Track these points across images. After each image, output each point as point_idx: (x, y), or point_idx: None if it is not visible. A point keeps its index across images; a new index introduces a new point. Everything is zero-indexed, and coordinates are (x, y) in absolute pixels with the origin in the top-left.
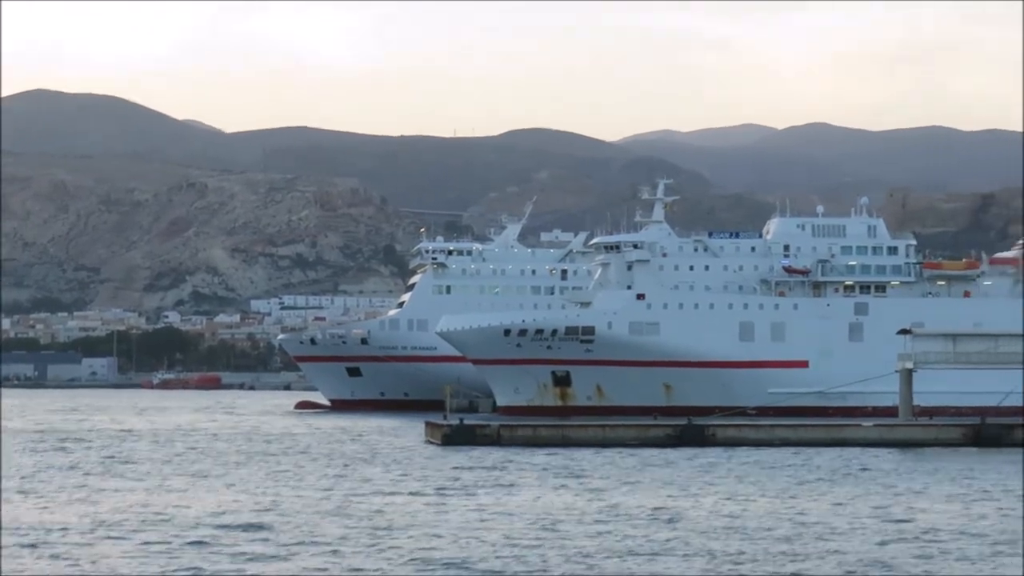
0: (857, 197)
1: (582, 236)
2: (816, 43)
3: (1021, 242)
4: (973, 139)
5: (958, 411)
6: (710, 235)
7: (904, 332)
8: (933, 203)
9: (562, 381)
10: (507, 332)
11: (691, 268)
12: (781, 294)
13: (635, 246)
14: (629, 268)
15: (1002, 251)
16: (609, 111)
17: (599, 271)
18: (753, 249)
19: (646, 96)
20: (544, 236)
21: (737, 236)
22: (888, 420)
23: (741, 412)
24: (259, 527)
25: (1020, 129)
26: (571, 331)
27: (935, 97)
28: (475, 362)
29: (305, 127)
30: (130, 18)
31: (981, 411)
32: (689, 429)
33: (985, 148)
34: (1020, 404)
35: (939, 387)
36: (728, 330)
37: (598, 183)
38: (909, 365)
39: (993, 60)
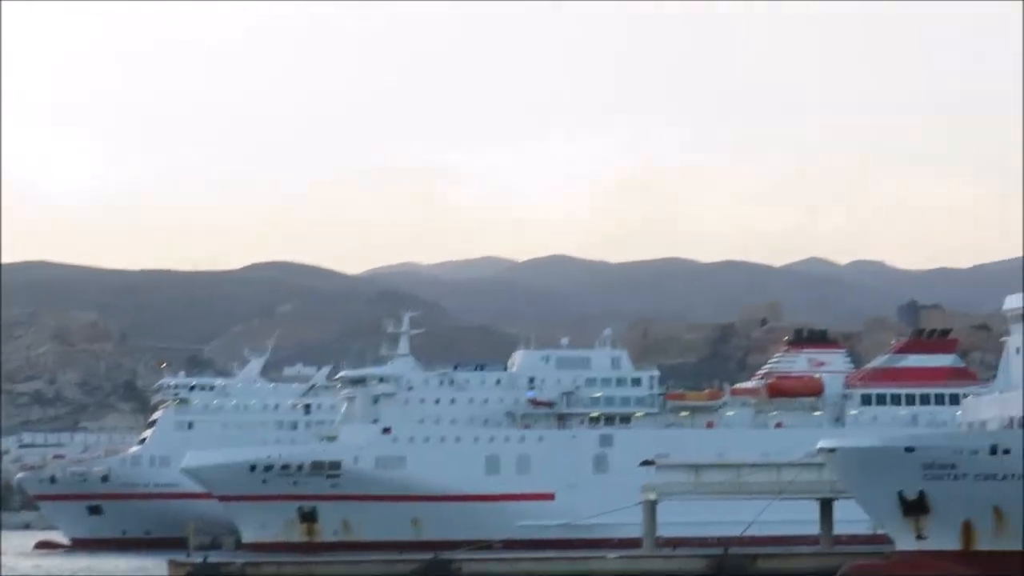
0: (600, 328)
1: (325, 370)
2: (553, 176)
3: (760, 372)
4: (710, 269)
5: (702, 542)
6: (456, 368)
7: (647, 463)
8: (674, 333)
9: (308, 517)
10: (253, 468)
11: (437, 401)
12: (527, 426)
13: (381, 379)
14: (375, 402)
15: (743, 381)
16: (351, 243)
17: (345, 405)
18: (498, 382)
19: (387, 228)
20: (287, 370)
21: (483, 369)
22: (632, 551)
23: (488, 546)
24: None
25: (755, 260)
26: (317, 466)
27: (670, 228)
28: (221, 498)
29: (42, 261)
30: None
31: (725, 541)
32: (435, 564)
33: (722, 278)
34: (763, 534)
35: (683, 518)
36: (474, 463)
37: (341, 316)
38: (652, 496)
39: (720, 190)
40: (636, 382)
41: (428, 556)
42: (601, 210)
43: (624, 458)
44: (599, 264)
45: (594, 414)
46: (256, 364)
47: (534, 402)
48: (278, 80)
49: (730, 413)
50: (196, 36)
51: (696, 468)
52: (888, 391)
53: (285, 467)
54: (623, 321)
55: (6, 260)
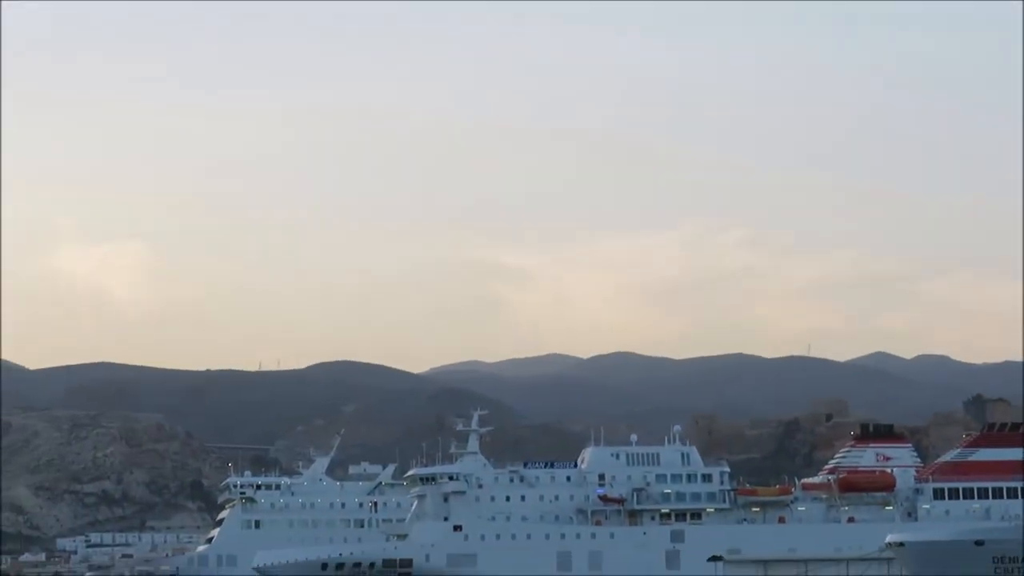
0: (664, 425)
1: (390, 468)
2: (616, 274)
3: (827, 467)
4: (774, 365)
5: None
6: (525, 465)
7: (715, 559)
8: (738, 430)
9: None
10: (324, 566)
11: (507, 499)
12: (598, 523)
13: (451, 477)
14: (445, 500)
15: (809, 476)
16: (414, 343)
17: (415, 503)
18: (568, 479)
19: (450, 327)
20: (352, 469)
21: (552, 466)
22: None
23: None
24: None
25: (819, 355)
26: (389, 564)
27: (733, 325)
28: None
29: (107, 362)
30: None
31: None
32: None
33: (786, 374)
34: None
35: None
36: (546, 560)
37: (404, 415)
38: None
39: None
40: (707, 478)
41: None
42: (664, 307)
43: (696, 554)
44: (663, 361)
45: (665, 510)
46: (321, 463)
47: (605, 498)
48: (342, 181)
49: (801, 508)
50: (259, 141)
51: (764, 563)
52: (960, 485)
53: (357, 565)
54: (687, 417)
55: (73, 362)
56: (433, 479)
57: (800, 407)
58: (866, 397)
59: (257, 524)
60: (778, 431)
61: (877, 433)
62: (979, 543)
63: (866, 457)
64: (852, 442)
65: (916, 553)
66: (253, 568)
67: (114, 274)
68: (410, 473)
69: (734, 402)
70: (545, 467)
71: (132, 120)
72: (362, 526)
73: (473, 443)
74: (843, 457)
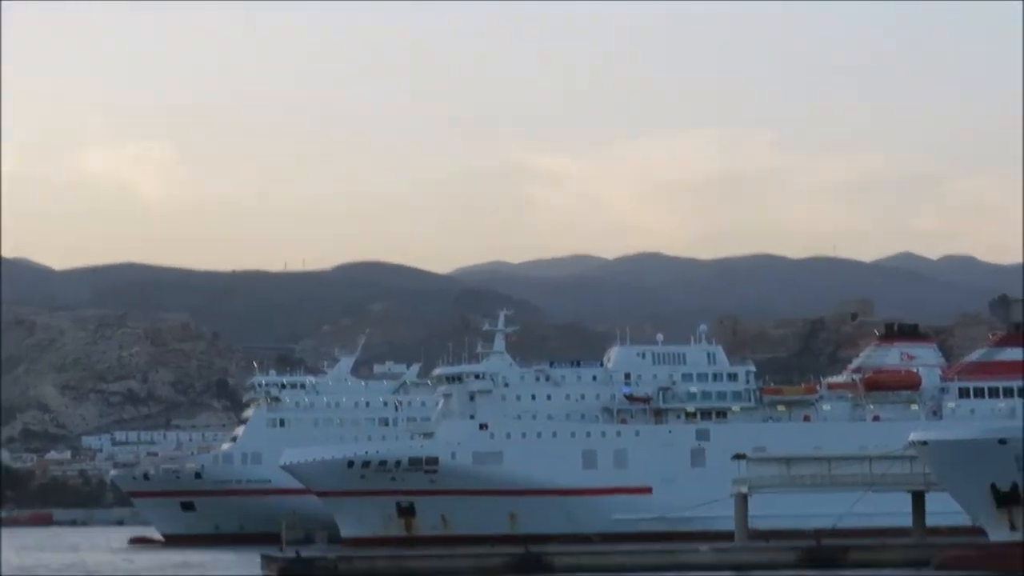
0: (690, 325)
1: (415, 367)
2: (642, 175)
3: (852, 366)
4: (800, 265)
5: (795, 534)
6: (551, 364)
7: (739, 457)
8: (763, 329)
9: (407, 512)
10: (351, 464)
11: (533, 397)
12: (623, 421)
13: (477, 376)
14: (472, 398)
15: (833, 375)
16: (439, 243)
17: (441, 402)
18: (594, 378)
19: (476, 228)
20: (377, 368)
21: (578, 365)
22: (724, 544)
23: (585, 539)
24: None
25: (845, 255)
26: (415, 462)
27: (760, 225)
28: (319, 494)
29: (133, 263)
30: None
31: (817, 533)
32: (527, 558)
33: (811, 274)
34: (855, 526)
35: (775, 510)
36: (571, 458)
37: (430, 314)
38: (744, 489)
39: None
40: (732, 377)
41: (521, 550)
42: (691, 208)
43: (721, 452)
44: (688, 261)
45: (690, 409)
46: (346, 362)
47: (630, 398)
48: (371, 81)
49: (827, 407)
50: (287, 38)
51: (787, 461)
52: (986, 384)
53: (383, 463)
54: (712, 317)
55: (99, 262)
56: (459, 378)
57: (825, 307)
58: (891, 297)
59: (282, 423)
60: (803, 331)
61: (902, 333)
62: (1002, 441)
63: (891, 356)
64: (877, 341)
65: (939, 451)
66: (280, 466)
67: (141, 173)
68: (436, 372)
69: (759, 302)
70: (571, 366)
71: (161, 17)
72: (387, 425)
73: (499, 342)
74: (868, 356)
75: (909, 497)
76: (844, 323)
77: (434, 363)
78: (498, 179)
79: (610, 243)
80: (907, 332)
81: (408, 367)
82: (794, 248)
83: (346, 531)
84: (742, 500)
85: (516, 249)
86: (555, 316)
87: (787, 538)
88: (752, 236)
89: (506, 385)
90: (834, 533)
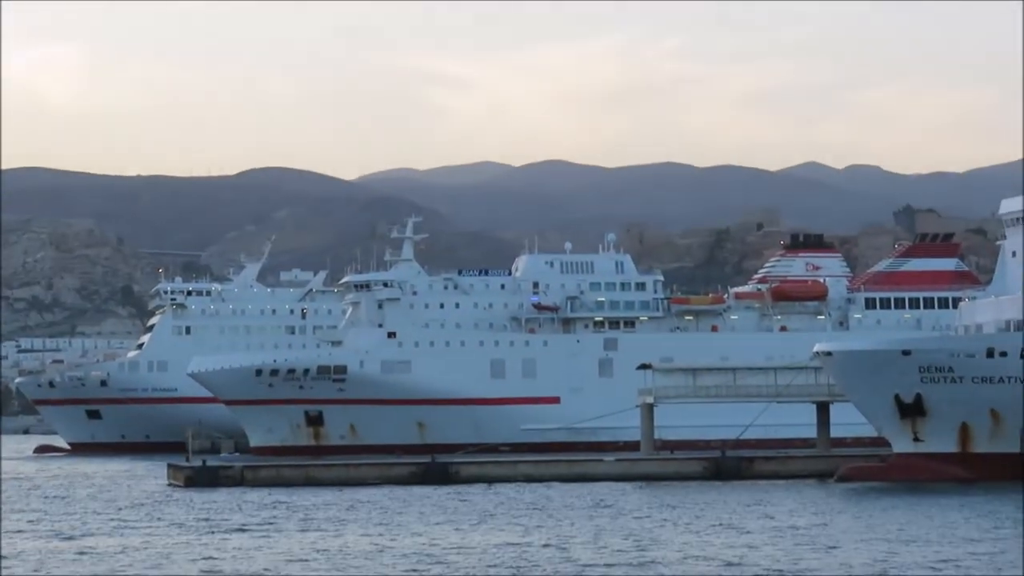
0: (596, 234)
1: (322, 275)
2: (549, 82)
3: (757, 276)
4: (706, 174)
5: (707, 444)
6: (460, 273)
7: (644, 367)
8: (669, 239)
9: (315, 421)
10: (259, 372)
11: (442, 306)
12: (531, 331)
13: (386, 284)
14: (380, 307)
15: (739, 286)
16: (346, 149)
17: (350, 310)
18: (503, 287)
19: (384, 134)
20: (283, 275)
21: (487, 274)
22: (631, 455)
23: (493, 449)
24: None
25: (752, 165)
26: (323, 370)
27: (666, 134)
28: (227, 403)
29: (40, 167)
30: None
31: (723, 444)
32: (433, 467)
33: (718, 183)
34: (761, 437)
35: (681, 421)
36: (480, 367)
37: (337, 221)
38: (649, 400)
39: (717, 96)
40: (640, 286)
41: (427, 459)
42: (597, 116)
43: (629, 362)
44: (595, 169)
45: (599, 318)
46: (252, 269)
47: (539, 307)
48: None
49: (734, 317)
50: None
51: (693, 372)
52: (892, 295)
53: (291, 371)
54: (619, 226)
55: (4, 166)
56: (367, 286)
57: (731, 216)
58: (797, 207)
59: (188, 330)
60: (709, 240)
61: (807, 243)
62: (906, 352)
63: (796, 267)
64: (782, 251)
65: (843, 362)
66: (188, 374)
67: (48, 78)
68: (344, 280)
69: (665, 211)
70: (479, 275)
71: None
72: (293, 333)
73: (407, 250)
74: (773, 266)
75: (814, 408)
76: (749, 233)
77: (341, 271)
78: (406, 85)
79: (516, 150)
80: (812, 242)
81: (315, 274)
82: (700, 157)
83: (255, 440)
84: (648, 411)
85: (423, 156)
86: (462, 224)
87: (693, 449)
88: (658, 144)
89: (414, 293)
90: (739, 444)
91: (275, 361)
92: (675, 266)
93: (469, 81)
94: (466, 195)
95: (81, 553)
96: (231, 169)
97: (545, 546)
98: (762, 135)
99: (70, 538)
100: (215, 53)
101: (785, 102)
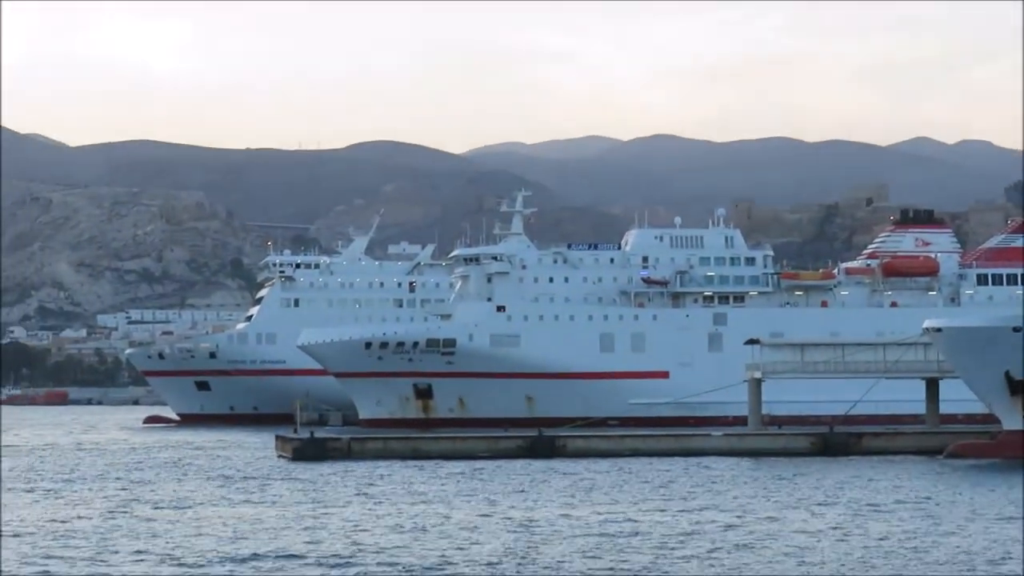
0: (703, 208)
1: (429, 248)
2: (661, 55)
3: (866, 252)
4: (815, 149)
5: (815, 420)
6: (569, 247)
7: (752, 342)
8: (777, 214)
9: (424, 393)
10: (368, 345)
11: (551, 280)
12: (640, 305)
13: (495, 258)
14: (489, 280)
15: (847, 260)
16: (454, 123)
17: (459, 283)
18: (612, 261)
19: (491, 108)
20: (391, 249)
21: (596, 248)
22: (737, 430)
23: (602, 423)
24: None
25: (862, 139)
26: (432, 343)
27: (778, 108)
28: (337, 375)
29: (149, 140)
30: None
31: (831, 420)
32: (539, 441)
33: (827, 158)
34: (869, 413)
35: (790, 396)
36: (588, 341)
37: (444, 195)
38: (757, 375)
39: (825, 71)
40: (750, 261)
41: (533, 433)
42: (706, 90)
43: (738, 337)
44: (703, 144)
45: (708, 293)
46: (360, 242)
47: (648, 281)
48: None
49: (844, 292)
50: None
51: (801, 347)
52: (1004, 271)
53: (400, 344)
54: (726, 201)
55: (114, 139)
56: (477, 259)
57: (840, 192)
58: (907, 182)
59: (296, 303)
60: (817, 215)
61: (917, 218)
62: (1017, 329)
63: (905, 242)
64: (891, 227)
65: (953, 338)
66: (297, 346)
67: (158, 51)
68: (454, 253)
69: (774, 186)
70: (589, 249)
71: None
72: (400, 306)
73: (517, 224)
74: (882, 242)
75: (923, 384)
76: (859, 208)
77: (447, 244)
78: (514, 60)
79: (624, 124)
80: (922, 218)
81: (422, 248)
82: (810, 131)
83: (364, 412)
84: (756, 386)
85: (530, 131)
86: (568, 198)
87: (801, 424)
88: (767, 119)
89: (524, 267)
90: (848, 420)
91: (384, 334)
92: (783, 241)
93: (577, 55)
94: (573, 169)
95: (194, 521)
96: (340, 143)
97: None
98: (872, 109)
99: (181, 508)
100: (325, 28)
101: (894, 76)
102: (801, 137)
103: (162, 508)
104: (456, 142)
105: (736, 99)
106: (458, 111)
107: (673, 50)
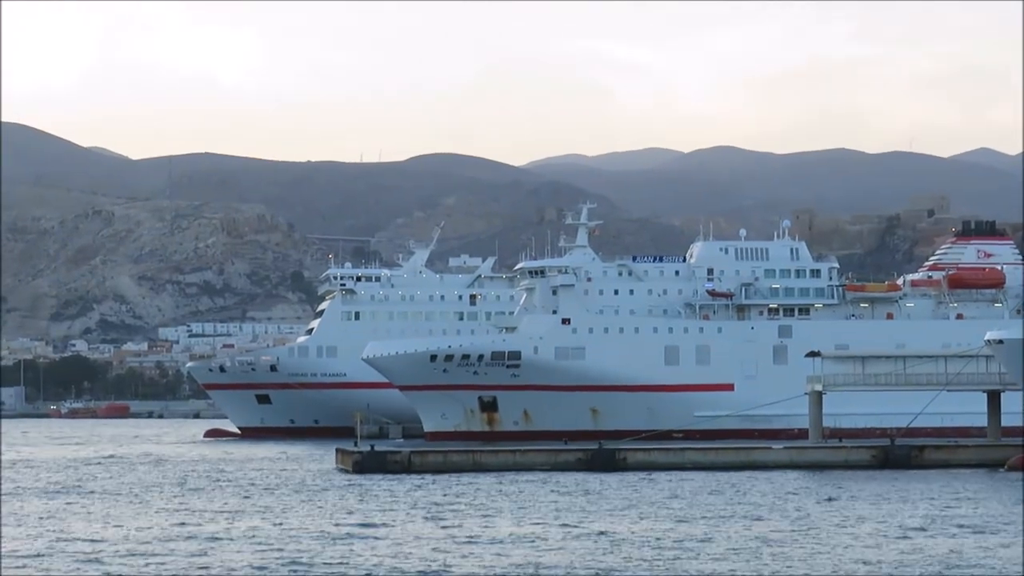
0: (768, 219)
1: (490, 261)
2: (721, 67)
3: (928, 264)
4: (876, 161)
5: (878, 432)
6: (634, 259)
7: (813, 354)
8: (839, 225)
9: (489, 406)
10: (433, 358)
11: (616, 292)
12: (705, 317)
13: (560, 271)
14: (554, 293)
15: (909, 272)
16: (515, 135)
17: (524, 296)
18: (677, 273)
19: (552, 120)
20: (452, 261)
21: (661, 260)
22: (798, 443)
23: (667, 436)
24: None
25: (921, 150)
26: (497, 356)
27: (837, 119)
28: (402, 388)
29: (211, 153)
30: (35, 45)
31: (892, 432)
32: (600, 454)
33: (890, 169)
34: (930, 425)
35: (852, 409)
36: (653, 354)
37: (505, 207)
38: (818, 387)
39: (888, 81)
40: (815, 273)
41: (594, 446)
42: (767, 102)
43: (803, 349)
44: (764, 155)
45: (773, 305)
46: (421, 255)
47: (713, 293)
48: None
49: (910, 305)
50: None
51: (862, 359)
52: None
53: (465, 357)
54: (787, 212)
55: (176, 152)
56: (542, 272)
57: (902, 203)
58: (968, 193)
59: (357, 316)
60: (879, 227)
61: (979, 230)
62: None
63: (967, 254)
64: (953, 238)
65: (1014, 350)
66: (362, 359)
67: (220, 64)
68: (519, 266)
69: (833, 197)
70: (654, 261)
71: None
72: (461, 319)
73: (582, 236)
74: (944, 253)
75: (985, 397)
76: (920, 219)
77: (508, 257)
78: (575, 71)
79: (685, 136)
80: (984, 229)
81: (483, 260)
82: (871, 143)
83: (428, 425)
84: (816, 398)
85: (591, 142)
86: (630, 210)
87: (862, 437)
88: (828, 130)
89: (589, 280)
90: (910, 432)
91: (449, 347)
92: (845, 252)
93: (638, 66)
94: (634, 181)
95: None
96: (400, 155)
97: None
98: (933, 119)
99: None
100: (387, 40)
101: (956, 86)
102: (862, 148)
103: (219, 520)
104: (516, 154)
105: (797, 109)
106: (518, 123)
107: (735, 60)
